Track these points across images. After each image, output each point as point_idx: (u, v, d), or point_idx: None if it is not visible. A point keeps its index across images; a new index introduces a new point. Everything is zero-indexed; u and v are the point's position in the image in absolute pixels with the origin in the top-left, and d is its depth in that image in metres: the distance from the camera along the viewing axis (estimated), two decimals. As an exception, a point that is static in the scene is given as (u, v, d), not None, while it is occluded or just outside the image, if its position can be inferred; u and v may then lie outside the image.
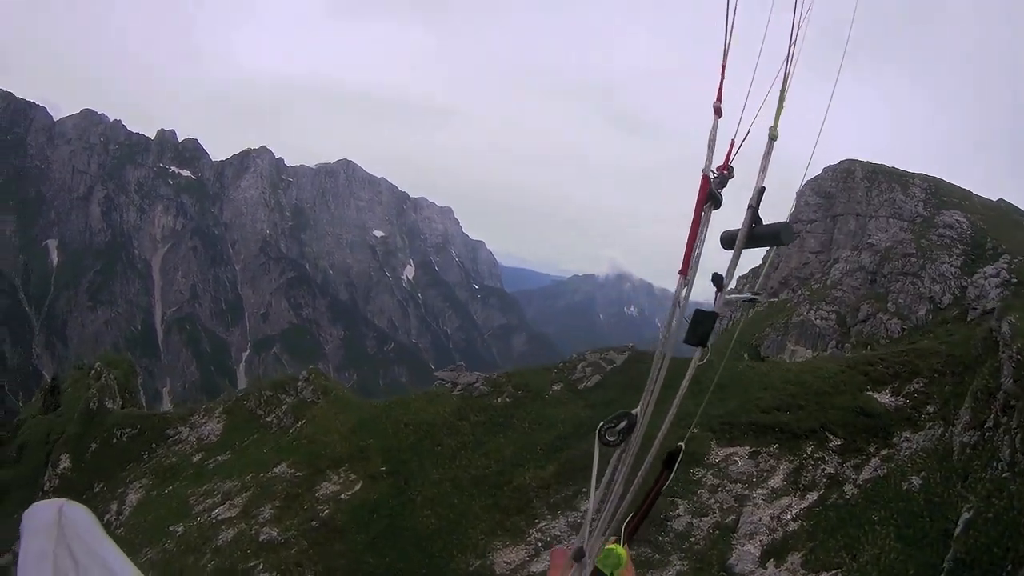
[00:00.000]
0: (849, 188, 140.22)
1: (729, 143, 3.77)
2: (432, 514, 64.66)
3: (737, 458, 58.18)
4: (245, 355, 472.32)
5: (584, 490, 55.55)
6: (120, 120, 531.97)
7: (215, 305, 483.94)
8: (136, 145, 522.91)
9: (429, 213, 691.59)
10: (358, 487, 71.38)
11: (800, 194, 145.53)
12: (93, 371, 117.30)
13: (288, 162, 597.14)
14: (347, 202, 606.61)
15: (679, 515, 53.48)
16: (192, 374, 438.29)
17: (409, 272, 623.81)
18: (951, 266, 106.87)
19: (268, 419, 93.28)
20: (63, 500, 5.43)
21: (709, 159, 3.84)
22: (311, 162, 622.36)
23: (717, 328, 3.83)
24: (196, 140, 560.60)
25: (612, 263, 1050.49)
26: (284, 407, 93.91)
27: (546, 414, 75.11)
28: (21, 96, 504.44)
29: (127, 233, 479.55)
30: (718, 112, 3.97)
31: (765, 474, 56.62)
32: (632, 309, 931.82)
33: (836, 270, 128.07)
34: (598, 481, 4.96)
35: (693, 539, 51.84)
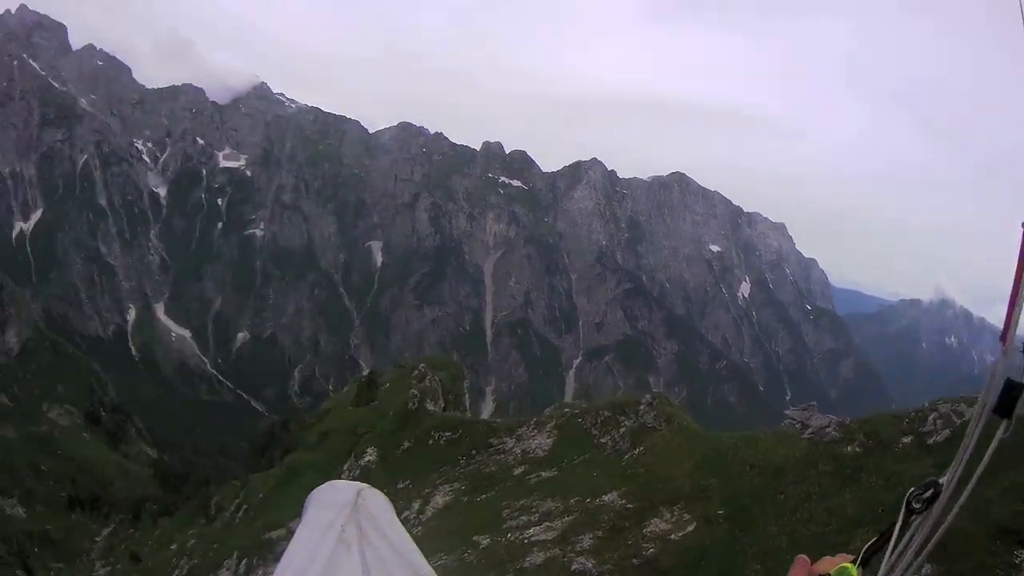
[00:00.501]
0: None
1: None
2: (762, 569, 49.19)
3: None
4: (576, 362, 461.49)
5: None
6: (442, 132, 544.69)
7: (549, 312, 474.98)
8: (461, 156, 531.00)
9: (763, 229, 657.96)
10: (691, 528, 56.98)
11: None
12: (416, 371, 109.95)
13: (620, 175, 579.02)
14: (682, 215, 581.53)
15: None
16: (520, 376, 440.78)
17: (745, 289, 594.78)
18: None
19: (603, 440, 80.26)
20: (364, 484, 6.96)
21: None
22: (643, 175, 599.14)
23: None
24: (524, 152, 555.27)
25: (937, 288, 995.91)
26: (622, 430, 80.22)
27: (893, 470, 57.20)
28: (329, 111, 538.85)
29: (457, 238, 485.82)
30: None
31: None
32: (952, 339, 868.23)
33: None
34: (894, 547, 4.49)
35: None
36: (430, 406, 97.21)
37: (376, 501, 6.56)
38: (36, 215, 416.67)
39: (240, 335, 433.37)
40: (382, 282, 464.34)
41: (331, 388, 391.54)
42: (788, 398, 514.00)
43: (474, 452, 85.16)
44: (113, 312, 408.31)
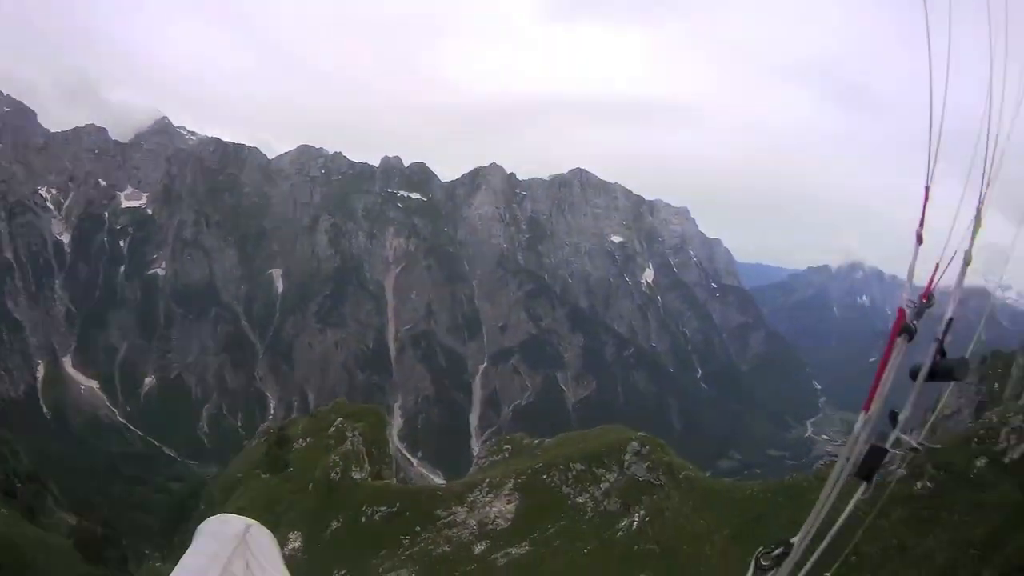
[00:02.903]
0: None
1: (933, 267, 3.96)
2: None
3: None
4: (482, 367, 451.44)
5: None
6: (341, 152, 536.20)
7: (452, 321, 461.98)
8: (361, 174, 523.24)
9: (666, 215, 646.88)
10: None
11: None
12: (334, 428, 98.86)
13: (520, 176, 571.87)
14: (583, 211, 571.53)
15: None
16: (426, 388, 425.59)
17: (648, 275, 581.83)
18: None
19: (580, 500, 74.19)
20: (252, 521, 7.23)
21: (907, 290, 4.01)
22: (544, 174, 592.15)
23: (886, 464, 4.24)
24: (423, 163, 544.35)
25: (845, 251, 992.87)
26: (604, 486, 74.99)
27: (976, 501, 53.30)
28: (229, 140, 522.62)
29: (357, 257, 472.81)
30: (919, 239, 4.18)
31: None
32: (864, 298, 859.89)
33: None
34: None
35: None
36: (356, 474, 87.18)
37: (263, 539, 6.66)
38: None
39: (147, 380, 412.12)
40: (284, 309, 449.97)
41: (240, 425, 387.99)
42: (699, 375, 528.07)
43: (419, 529, 76.54)
44: (23, 370, 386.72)
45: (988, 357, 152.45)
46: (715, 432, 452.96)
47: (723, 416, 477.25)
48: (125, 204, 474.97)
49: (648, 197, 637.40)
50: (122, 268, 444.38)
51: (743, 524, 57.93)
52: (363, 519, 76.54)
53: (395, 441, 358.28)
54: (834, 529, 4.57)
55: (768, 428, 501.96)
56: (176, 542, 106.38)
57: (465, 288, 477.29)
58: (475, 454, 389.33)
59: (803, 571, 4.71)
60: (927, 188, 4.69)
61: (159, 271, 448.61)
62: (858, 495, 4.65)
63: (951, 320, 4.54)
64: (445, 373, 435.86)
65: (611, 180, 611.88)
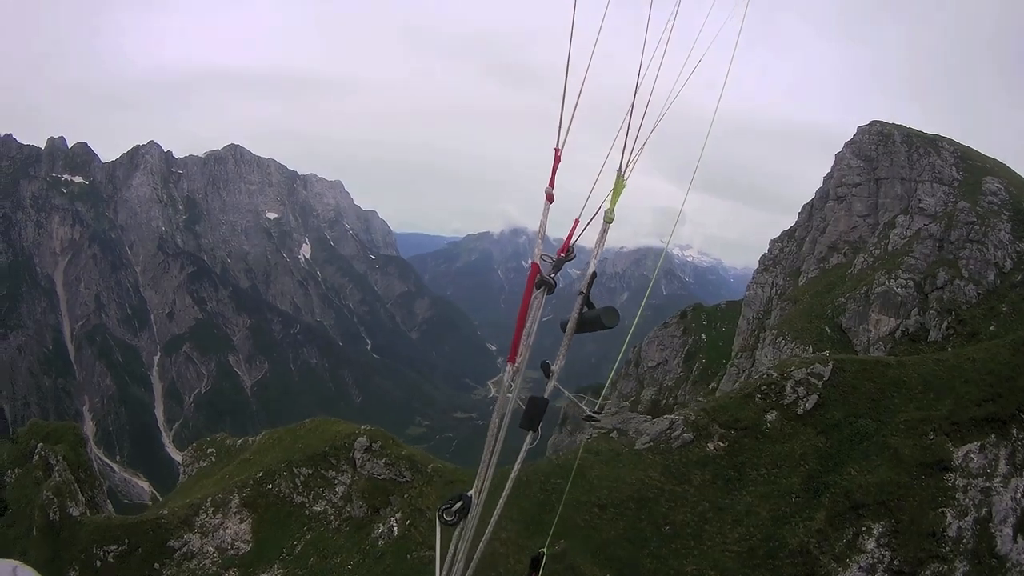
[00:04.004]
0: (891, 152, 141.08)
1: (573, 223, 5.83)
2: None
3: (972, 455, 59.68)
4: (156, 359, 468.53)
5: (864, 528, 56.52)
6: (11, 134, 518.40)
7: (121, 312, 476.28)
8: (28, 157, 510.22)
9: (320, 189, 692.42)
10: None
11: (840, 157, 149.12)
12: (37, 456, 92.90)
13: (177, 154, 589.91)
14: (237, 187, 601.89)
15: (949, 522, 55.41)
16: (108, 387, 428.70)
17: (306, 251, 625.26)
18: (1005, 232, 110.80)
19: (318, 508, 75.49)
20: (16, 562, 6.84)
21: (539, 246, 5.85)
22: (200, 151, 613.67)
23: (548, 414, 5.83)
24: (86, 144, 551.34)
25: (506, 218, 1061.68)
26: (339, 488, 76.00)
27: (779, 453, 64.59)
28: None
29: (28, 251, 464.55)
30: (550, 198, 5.64)
31: (993, 463, 59.11)
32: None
33: (895, 235, 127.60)
34: (442, 560, 5.24)
35: (964, 540, 54.74)
36: (72, 509, 79.37)
37: None
38: None
39: None
40: None
41: None
42: (369, 347, 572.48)
43: (157, 566, 72.08)
44: None
45: (689, 310, 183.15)
46: (396, 401, 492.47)
47: (400, 384, 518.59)
48: None
49: (302, 172, 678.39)
50: None
51: (526, 512, 58.78)
52: (97, 562, 72.04)
53: (93, 449, 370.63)
54: (510, 481, 4.22)
55: (449, 392, 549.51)
56: None
57: (129, 275, 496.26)
58: (167, 450, 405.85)
59: (493, 519, 4.38)
60: (557, 150, 4.55)
61: None
62: (527, 444, 4.43)
63: (594, 274, 4.80)
64: (123, 369, 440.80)
65: (265, 156, 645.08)
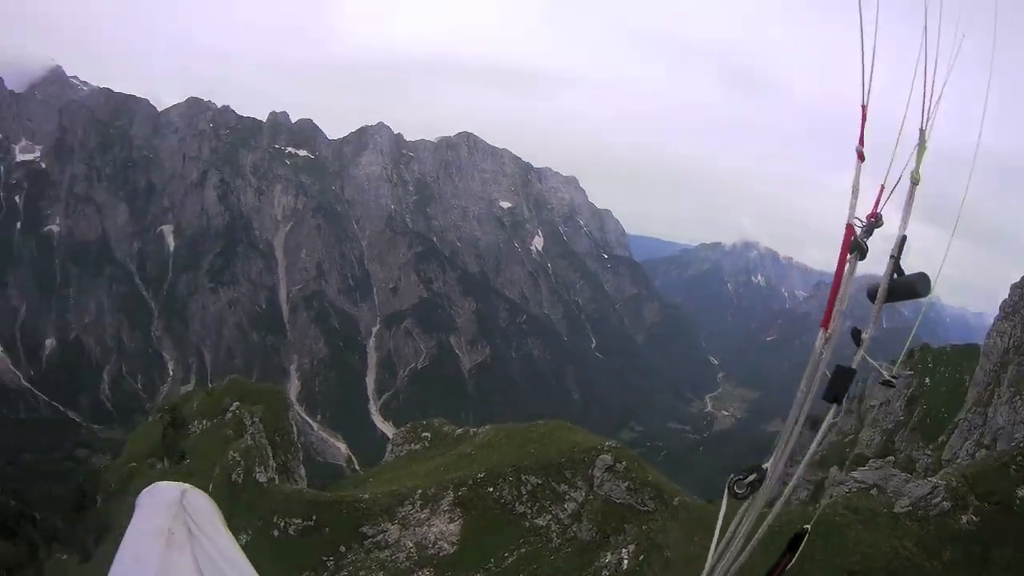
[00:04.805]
0: None
1: (878, 189, 3.83)
2: None
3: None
4: (375, 330, 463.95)
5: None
6: (229, 105, 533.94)
7: (342, 282, 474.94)
8: (248, 129, 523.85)
9: (554, 183, 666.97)
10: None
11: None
12: (231, 414, 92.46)
13: (408, 137, 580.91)
14: (470, 175, 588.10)
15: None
16: (320, 350, 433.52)
17: (538, 243, 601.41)
18: None
19: (539, 522, 66.45)
20: (187, 485, 7.14)
21: (853, 207, 3.87)
22: (431, 136, 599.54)
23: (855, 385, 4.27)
24: (311, 120, 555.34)
25: (739, 230, 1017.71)
26: (569, 505, 66.69)
27: None
28: (120, 91, 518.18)
29: (246, 215, 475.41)
30: (860, 157, 4.01)
31: None
32: (759, 278, 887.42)
33: None
34: (722, 533, 4.88)
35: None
36: (260, 475, 76.94)
37: (200, 502, 6.89)
38: None
39: (48, 342, 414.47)
40: (176, 268, 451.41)
41: (140, 388, 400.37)
42: (593, 345, 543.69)
43: (343, 549, 67.29)
44: None
45: (917, 351, 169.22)
46: (614, 403, 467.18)
47: (621, 387, 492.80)
48: (20, 157, 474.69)
49: (536, 165, 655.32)
50: (18, 224, 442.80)
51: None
52: (275, 532, 68.68)
53: (295, 408, 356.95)
54: (809, 454, 4.37)
55: (668, 400, 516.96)
56: (80, 537, 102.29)
57: (354, 248, 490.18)
58: (373, 418, 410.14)
59: (784, 494, 4.68)
60: (863, 107, 4.49)
61: (53, 227, 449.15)
62: (829, 418, 4.39)
63: (904, 238, 4.51)
64: (338, 335, 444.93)
65: (500, 146, 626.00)
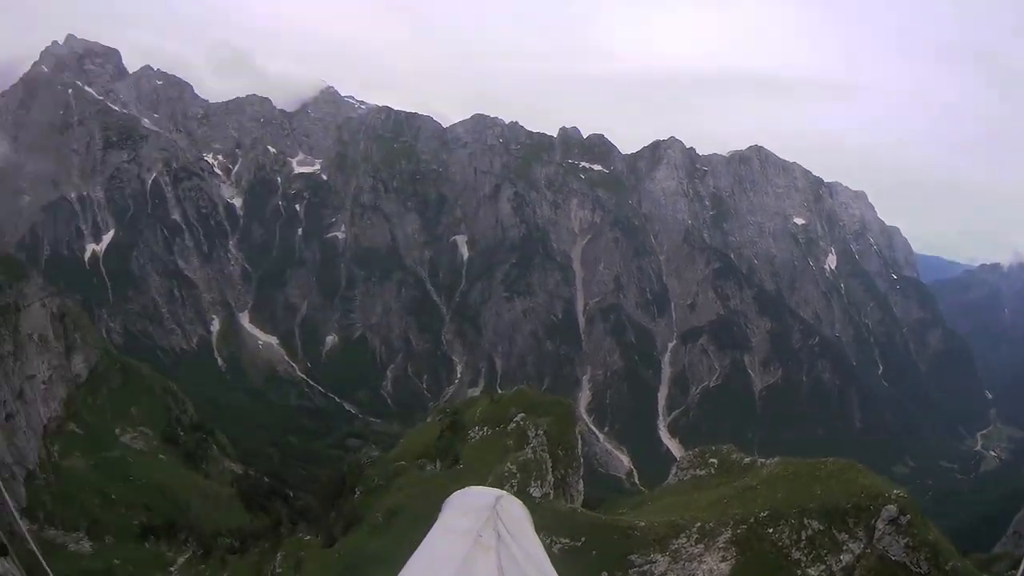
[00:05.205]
0: None
1: None
2: None
3: None
4: (671, 345, 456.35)
5: None
6: (517, 121, 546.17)
7: (640, 296, 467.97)
8: (539, 143, 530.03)
9: (844, 198, 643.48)
10: None
11: None
12: (515, 424, 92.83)
13: (700, 151, 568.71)
14: (764, 189, 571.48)
15: None
16: (615, 363, 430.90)
17: (831, 261, 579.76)
18: None
19: (811, 571, 60.75)
20: (503, 491, 7.54)
21: None
22: (719, 150, 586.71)
23: None
24: (602, 135, 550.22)
25: (1016, 251, 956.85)
26: (844, 557, 61.06)
27: None
28: (400, 109, 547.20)
29: (542, 227, 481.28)
30: None
31: None
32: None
33: None
34: None
35: None
36: (534, 490, 77.09)
37: (514, 509, 7.13)
38: (108, 236, 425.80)
39: (329, 338, 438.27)
40: (469, 276, 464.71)
41: (424, 387, 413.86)
42: (880, 372, 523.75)
43: (605, 573, 64.25)
44: (196, 324, 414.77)
45: None
46: (893, 433, 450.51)
47: (900, 417, 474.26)
48: (298, 170, 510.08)
49: (826, 179, 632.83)
50: (299, 230, 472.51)
51: None
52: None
53: (584, 419, 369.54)
54: None
55: (942, 436, 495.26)
56: (329, 523, 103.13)
57: (652, 262, 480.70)
58: (660, 434, 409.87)
59: None
60: None
61: (338, 234, 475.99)
62: None
63: None
64: (634, 348, 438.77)
65: (789, 160, 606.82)
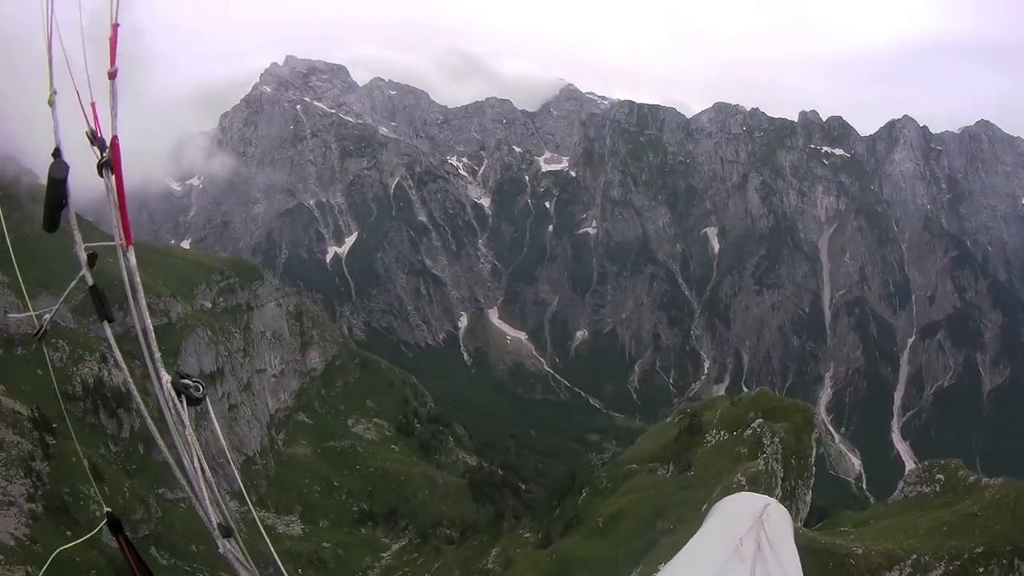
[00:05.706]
0: None
1: None
2: None
3: None
4: (911, 341, 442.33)
5: None
6: (758, 108, 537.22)
7: (883, 288, 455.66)
8: (780, 129, 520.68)
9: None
10: None
11: None
12: (752, 430, 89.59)
13: (933, 130, 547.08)
14: (993, 168, 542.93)
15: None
16: (857, 360, 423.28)
17: None
18: None
19: None
20: (771, 499, 7.48)
21: None
22: (951, 126, 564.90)
23: None
24: (841, 117, 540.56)
25: None
26: None
27: None
28: (642, 102, 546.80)
29: (790, 217, 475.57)
30: None
31: None
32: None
33: None
34: None
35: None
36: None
37: (779, 517, 7.42)
38: (351, 238, 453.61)
39: (579, 333, 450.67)
40: (720, 269, 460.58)
41: (671, 383, 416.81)
42: None
43: None
44: (443, 320, 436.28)
45: None
46: None
47: None
48: (545, 168, 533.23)
49: None
50: (550, 227, 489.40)
51: None
52: None
53: (823, 420, 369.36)
54: None
55: None
56: (551, 522, 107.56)
57: (894, 252, 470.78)
58: (892, 436, 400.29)
59: None
60: None
61: (589, 230, 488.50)
62: None
63: None
64: (875, 344, 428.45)
65: (1013, 134, 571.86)
